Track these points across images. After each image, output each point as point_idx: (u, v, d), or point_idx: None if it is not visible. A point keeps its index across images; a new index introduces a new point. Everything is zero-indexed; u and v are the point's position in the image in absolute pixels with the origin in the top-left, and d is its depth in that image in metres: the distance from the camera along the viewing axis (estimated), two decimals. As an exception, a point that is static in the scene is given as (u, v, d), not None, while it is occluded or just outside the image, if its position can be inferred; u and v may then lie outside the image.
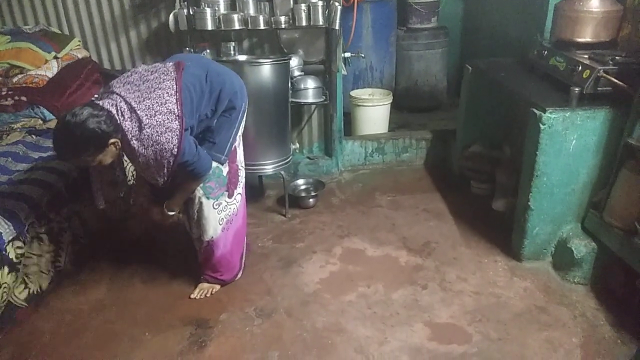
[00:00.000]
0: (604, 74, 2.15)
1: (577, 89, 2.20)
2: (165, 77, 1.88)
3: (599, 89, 2.18)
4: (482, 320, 2.13)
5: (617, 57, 2.19)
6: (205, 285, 2.36)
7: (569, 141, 2.21)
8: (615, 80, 2.12)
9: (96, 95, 1.91)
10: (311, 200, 3.14)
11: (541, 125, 2.17)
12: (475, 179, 3.16)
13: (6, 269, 1.95)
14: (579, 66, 2.28)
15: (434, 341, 2.03)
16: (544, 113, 2.16)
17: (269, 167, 2.91)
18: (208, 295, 2.33)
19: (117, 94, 1.81)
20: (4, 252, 1.94)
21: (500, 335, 2.04)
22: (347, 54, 3.45)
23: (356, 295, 2.32)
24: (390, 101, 3.81)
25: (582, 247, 2.27)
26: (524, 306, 2.21)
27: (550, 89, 2.42)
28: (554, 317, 2.14)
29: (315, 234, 2.84)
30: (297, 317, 2.19)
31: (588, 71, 2.21)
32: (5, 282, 1.95)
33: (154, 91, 1.83)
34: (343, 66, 3.38)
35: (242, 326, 2.14)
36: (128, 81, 1.87)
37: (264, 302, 2.29)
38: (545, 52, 2.61)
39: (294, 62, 3.09)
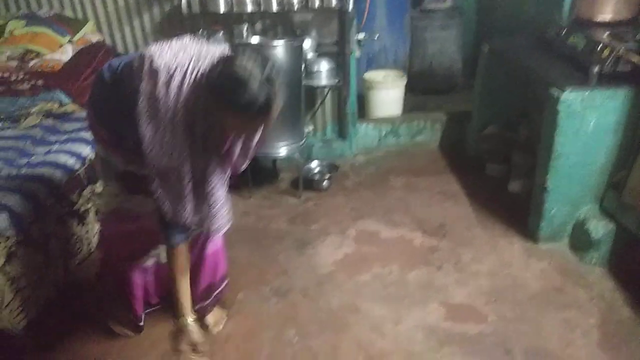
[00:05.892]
0: (625, 53, 2.10)
1: (596, 68, 2.15)
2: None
3: (619, 68, 2.13)
4: (498, 300, 2.13)
5: (638, 35, 2.14)
6: (217, 312, 2.05)
7: (588, 121, 2.17)
8: (636, 59, 2.07)
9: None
10: (325, 182, 3.14)
11: (559, 105, 2.14)
12: (490, 160, 3.14)
13: (32, 249, 1.99)
14: (598, 45, 2.23)
15: (449, 321, 2.04)
16: (563, 93, 2.13)
17: (282, 150, 2.92)
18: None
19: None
20: (28, 232, 1.98)
21: (516, 316, 2.04)
22: (361, 36, 3.41)
23: (371, 276, 2.33)
24: (404, 83, 3.77)
25: (600, 228, 2.25)
26: (540, 287, 2.20)
27: (569, 69, 2.37)
28: (571, 298, 2.13)
29: (330, 216, 2.85)
30: (313, 297, 2.21)
31: (608, 50, 2.16)
32: (34, 262, 1.99)
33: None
34: (357, 48, 3.35)
35: (258, 305, 2.17)
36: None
37: (280, 283, 2.31)
38: (564, 31, 2.55)
39: (307, 44, 3.07)
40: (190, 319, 1.50)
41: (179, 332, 1.44)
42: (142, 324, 1.98)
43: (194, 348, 1.46)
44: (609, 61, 2.13)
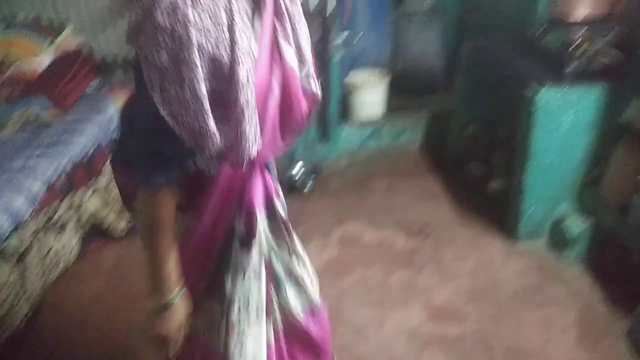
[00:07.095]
0: (599, 49, 2.13)
1: (571, 66, 2.17)
2: None
3: (593, 65, 2.15)
4: (479, 300, 2.15)
5: (613, 31, 2.16)
6: None
7: (564, 119, 2.20)
8: (611, 56, 2.10)
9: None
10: (308, 186, 3.14)
11: (535, 104, 2.16)
12: (472, 160, 3.15)
13: (7, 267, 1.97)
14: (573, 43, 2.25)
15: (430, 322, 2.05)
16: (538, 91, 2.15)
17: (265, 154, 2.90)
18: None
19: None
20: (3, 248, 1.95)
21: (497, 315, 2.06)
22: (342, 37, 3.42)
23: (353, 280, 2.34)
24: (387, 84, 3.79)
25: (577, 225, 2.28)
26: (519, 285, 2.22)
27: (546, 67, 2.38)
28: (550, 295, 2.15)
29: (312, 219, 2.85)
30: (295, 301, 2.21)
31: (583, 48, 2.19)
32: (8, 280, 1.96)
33: None
34: (337, 50, 3.35)
35: (240, 312, 2.16)
36: None
37: (263, 288, 2.30)
38: (542, 29, 2.57)
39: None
40: (177, 295, 1.04)
41: (158, 315, 1.02)
42: None
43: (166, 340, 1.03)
44: (584, 58, 2.15)
